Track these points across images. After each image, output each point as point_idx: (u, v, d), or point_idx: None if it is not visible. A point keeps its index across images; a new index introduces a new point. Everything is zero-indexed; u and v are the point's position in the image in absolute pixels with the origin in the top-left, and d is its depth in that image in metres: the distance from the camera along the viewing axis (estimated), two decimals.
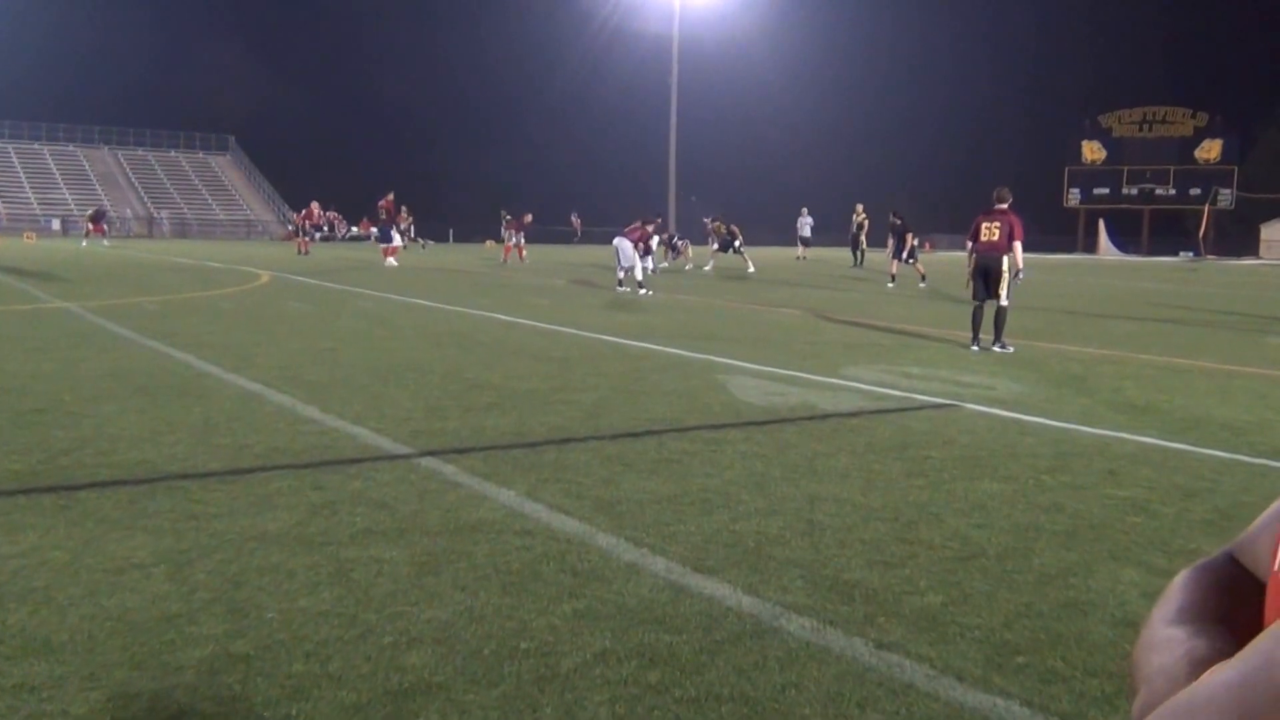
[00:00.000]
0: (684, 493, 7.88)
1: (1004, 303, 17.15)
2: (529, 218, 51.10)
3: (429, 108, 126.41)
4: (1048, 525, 7.29)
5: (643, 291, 29.06)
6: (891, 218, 38.52)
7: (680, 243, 50.61)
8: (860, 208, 51.43)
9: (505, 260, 49.36)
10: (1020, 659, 5.13)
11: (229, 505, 7.28)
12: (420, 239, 71.69)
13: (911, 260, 36.74)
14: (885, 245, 42.00)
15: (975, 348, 17.13)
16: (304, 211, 59.83)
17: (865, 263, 48.48)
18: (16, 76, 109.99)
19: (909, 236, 36.91)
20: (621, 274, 30.62)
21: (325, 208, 71.68)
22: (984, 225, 17.51)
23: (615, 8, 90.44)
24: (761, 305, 26.53)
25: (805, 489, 8.09)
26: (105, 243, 62.52)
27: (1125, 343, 19.15)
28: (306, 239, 55.78)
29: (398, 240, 42.88)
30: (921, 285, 34.75)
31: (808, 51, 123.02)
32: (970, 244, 17.83)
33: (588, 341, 17.48)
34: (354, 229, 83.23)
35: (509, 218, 54.05)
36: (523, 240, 50.51)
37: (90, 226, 64.39)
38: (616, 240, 31.02)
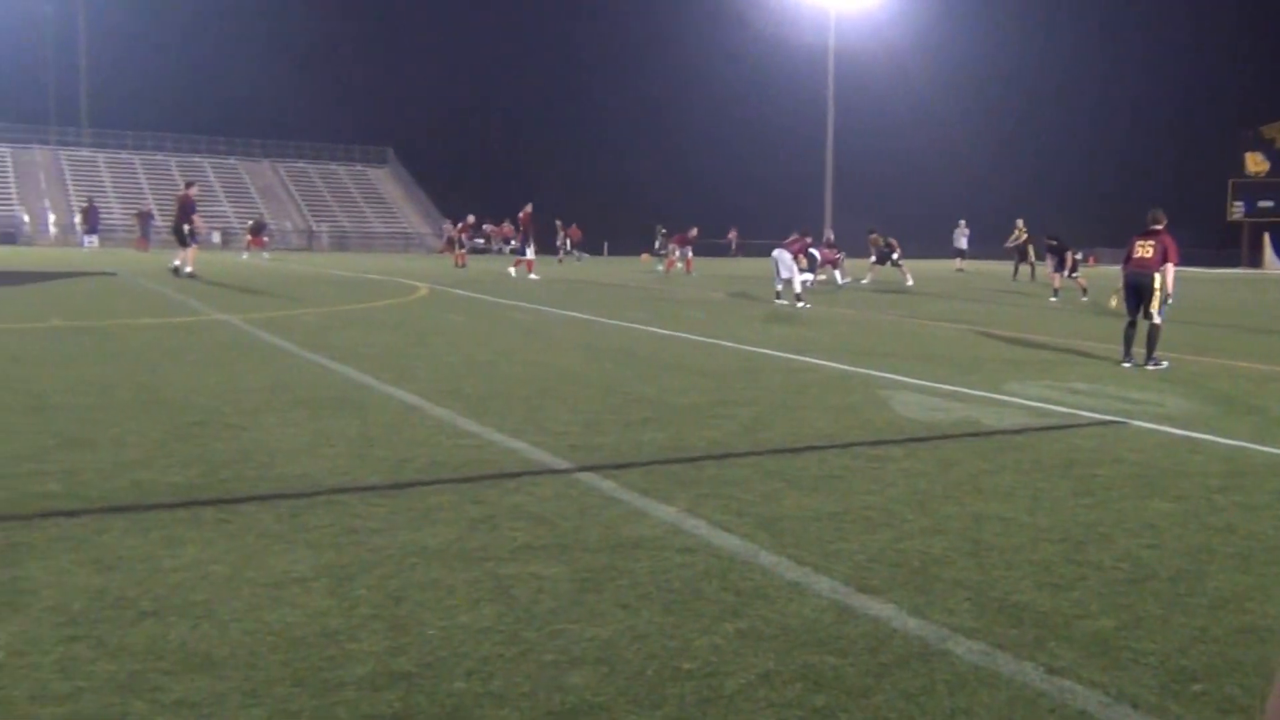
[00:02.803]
0: (846, 510, 7.75)
1: (1156, 320, 16.84)
2: (694, 232, 51.45)
3: (586, 122, 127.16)
4: (1221, 547, 7.06)
5: (800, 304, 28.92)
6: (1047, 240, 38.28)
7: (838, 255, 50.37)
8: (1020, 223, 50.85)
9: (667, 272, 49.61)
10: (1197, 686, 4.95)
11: (389, 519, 7.27)
12: (577, 252, 72.17)
13: (1074, 275, 36.33)
14: (1045, 260, 41.54)
15: (1127, 364, 16.82)
16: (460, 224, 60.35)
17: (1036, 276, 47.70)
18: (180, 91, 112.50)
19: (1069, 254, 36.54)
20: (780, 286, 30.47)
21: (484, 222, 72.45)
22: (1138, 243, 17.30)
23: (769, 19, 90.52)
24: (921, 319, 26.25)
25: (970, 507, 7.93)
26: (265, 255, 63.54)
27: None
28: (463, 251, 56.15)
29: (530, 254, 42.93)
30: (1084, 299, 34.31)
31: (963, 62, 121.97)
32: (1124, 265, 17.65)
33: (746, 355, 17.39)
34: (513, 242, 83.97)
35: (664, 231, 54.32)
36: (690, 254, 50.80)
37: (250, 239, 65.53)
38: (776, 252, 30.87)
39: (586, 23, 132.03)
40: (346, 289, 33.66)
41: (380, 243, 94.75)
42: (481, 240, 77.74)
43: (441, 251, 78.57)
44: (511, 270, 42.51)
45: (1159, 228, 17.23)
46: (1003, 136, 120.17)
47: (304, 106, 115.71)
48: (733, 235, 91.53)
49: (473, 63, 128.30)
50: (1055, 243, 37.05)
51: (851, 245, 54.49)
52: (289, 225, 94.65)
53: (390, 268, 51.07)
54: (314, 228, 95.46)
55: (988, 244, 64.12)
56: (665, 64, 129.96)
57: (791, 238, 31.47)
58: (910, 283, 41.71)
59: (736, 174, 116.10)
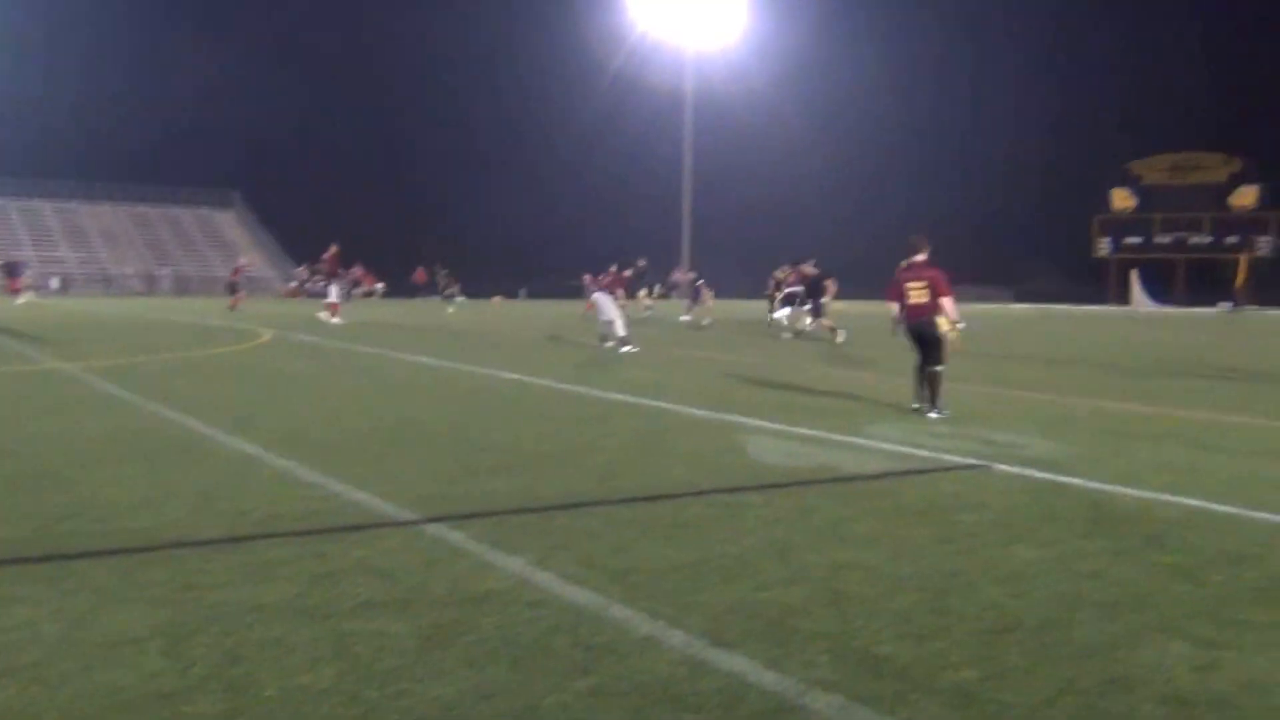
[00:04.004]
0: (702, 560, 7.63)
1: (940, 368, 15.91)
2: (628, 271, 51.33)
3: (438, 164, 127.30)
4: (1088, 594, 7.01)
5: (625, 348, 28.17)
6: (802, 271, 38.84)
7: (703, 289, 50.44)
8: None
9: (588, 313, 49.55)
10: None
11: (227, 575, 7.05)
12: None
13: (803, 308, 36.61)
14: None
15: (917, 405, 16.06)
16: (235, 267, 59.59)
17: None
18: (21, 133, 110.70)
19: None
20: (604, 329, 29.79)
21: (245, 264, 71.81)
22: (908, 286, 16.10)
23: (627, 61, 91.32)
24: (777, 360, 26.29)
25: (830, 556, 7.83)
26: (22, 299, 60.93)
27: (1164, 398, 18.89)
28: (239, 295, 54.90)
29: (335, 296, 42.17)
30: (787, 336, 34.78)
31: (825, 100, 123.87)
32: (896, 301, 16.36)
33: (599, 400, 17.29)
34: (362, 285, 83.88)
35: (445, 272, 54.20)
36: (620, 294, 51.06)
37: (6, 281, 63.51)
38: (595, 295, 30.34)
39: (438, 65, 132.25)
40: (188, 335, 33.36)
41: (224, 286, 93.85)
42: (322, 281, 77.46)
43: (289, 295, 77.95)
44: (326, 315, 41.63)
45: (922, 259, 16.23)
46: (866, 175, 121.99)
47: (148, 149, 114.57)
48: (586, 278, 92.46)
49: (322, 107, 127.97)
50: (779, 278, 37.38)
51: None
52: (130, 269, 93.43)
53: (234, 313, 50.49)
54: (156, 272, 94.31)
55: (852, 284, 64.86)
56: (522, 107, 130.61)
57: (606, 275, 30.90)
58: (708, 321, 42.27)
59: (596, 215, 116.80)
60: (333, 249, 43.54)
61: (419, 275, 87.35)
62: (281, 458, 11.47)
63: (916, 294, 15.94)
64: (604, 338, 29.92)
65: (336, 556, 7.55)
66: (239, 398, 16.79)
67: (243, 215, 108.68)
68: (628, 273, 31.77)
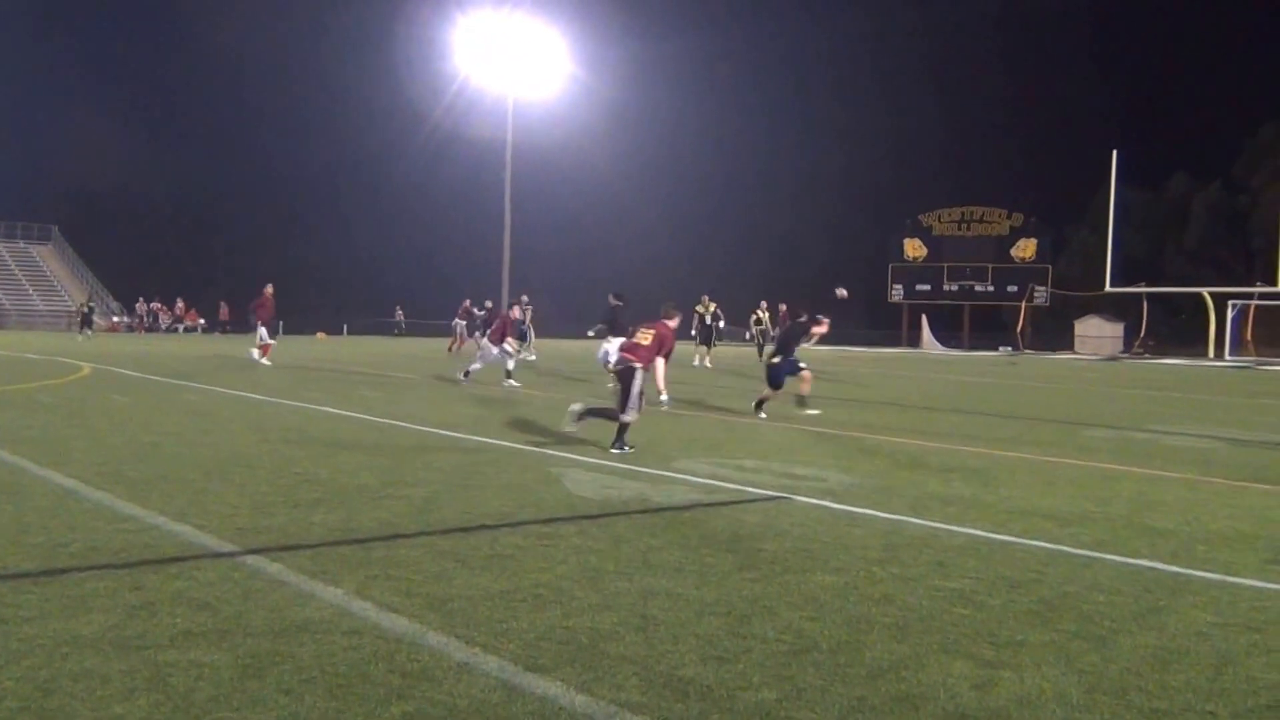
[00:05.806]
0: (516, 589, 7.78)
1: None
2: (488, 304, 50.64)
3: (259, 203, 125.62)
4: (879, 617, 7.30)
5: (509, 383, 28.82)
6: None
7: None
8: (707, 299, 50.78)
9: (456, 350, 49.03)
10: None
11: (41, 608, 7.00)
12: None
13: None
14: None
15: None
16: None
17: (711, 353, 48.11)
18: None
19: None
20: (476, 366, 30.39)
21: (150, 299, 70.63)
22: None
23: (449, 109, 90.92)
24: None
25: (639, 583, 8.03)
26: None
27: (951, 435, 19.41)
28: None
29: (264, 335, 40.89)
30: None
31: (642, 148, 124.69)
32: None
33: (420, 434, 17.29)
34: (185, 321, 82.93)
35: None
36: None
37: None
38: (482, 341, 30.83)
39: (262, 105, 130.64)
40: (4, 369, 32.47)
41: (42, 321, 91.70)
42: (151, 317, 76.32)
43: (111, 330, 76.40)
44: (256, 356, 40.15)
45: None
46: (680, 221, 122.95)
47: None
48: (399, 314, 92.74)
49: (142, 146, 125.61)
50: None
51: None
52: None
53: (52, 347, 49.43)
54: None
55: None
56: (344, 150, 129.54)
57: (495, 326, 31.16)
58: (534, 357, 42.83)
59: (417, 257, 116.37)
60: (268, 289, 42.31)
61: (222, 312, 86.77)
62: (99, 490, 11.36)
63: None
64: (467, 374, 30.26)
65: (154, 588, 7.55)
66: (56, 431, 16.46)
67: (61, 250, 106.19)
68: (508, 310, 32.23)
